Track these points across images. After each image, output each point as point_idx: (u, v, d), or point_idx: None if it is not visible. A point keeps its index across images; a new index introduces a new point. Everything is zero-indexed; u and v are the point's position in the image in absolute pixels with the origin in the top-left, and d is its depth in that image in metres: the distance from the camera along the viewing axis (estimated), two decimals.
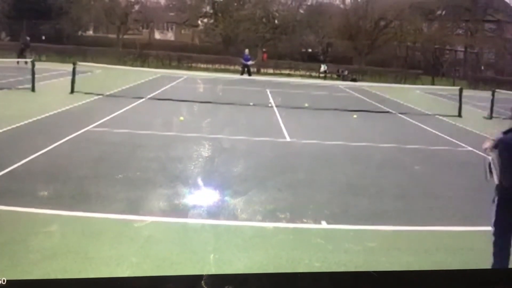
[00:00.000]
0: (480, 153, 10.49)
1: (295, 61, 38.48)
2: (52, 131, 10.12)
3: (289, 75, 34.89)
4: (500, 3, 44.08)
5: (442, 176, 8.86)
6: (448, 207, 6.70)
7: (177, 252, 4.78)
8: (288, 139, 11.16)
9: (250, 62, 28.67)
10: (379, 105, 19.31)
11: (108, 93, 16.64)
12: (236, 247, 4.90)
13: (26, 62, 21.85)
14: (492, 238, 4.36)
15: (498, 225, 4.32)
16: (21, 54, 26.95)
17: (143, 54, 36.63)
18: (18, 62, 24.04)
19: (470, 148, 11.22)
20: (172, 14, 46.11)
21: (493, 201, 4.40)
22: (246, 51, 28.95)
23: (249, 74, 28.23)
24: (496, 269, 4.00)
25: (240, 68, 29.49)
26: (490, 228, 4.37)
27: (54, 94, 16.52)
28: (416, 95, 24.90)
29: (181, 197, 6.42)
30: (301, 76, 34.60)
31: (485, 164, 4.31)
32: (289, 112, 15.34)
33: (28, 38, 29.90)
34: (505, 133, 4.49)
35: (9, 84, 17.74)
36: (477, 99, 21.45)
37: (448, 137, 12.70)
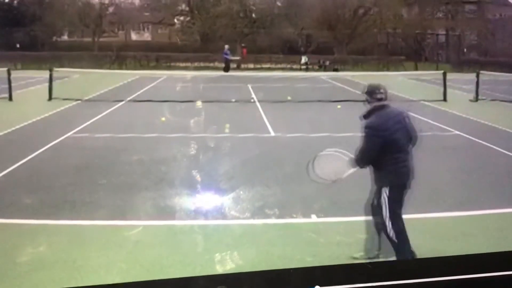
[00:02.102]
0: (467, 136, 10.63)
1: (275, 54, 38.37)
2: (32, 139, 9.94)
3: (269, 69, 34.78)
4: None
5: (431, 161, 8.87)
6: (439, 193, 6.69)
7: (166, 255, 4.72)
8: (272, 133, 11.11)
9: (230, 57, 28.55)
10: (363, 94, 19.26)
11: (86, 98, 16.41)
12: (226, 247, 4.84)
13: None
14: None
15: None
16: None
17: (120, 56, 36.20)
18: None
19: (457, 132, 11.28)
20: (147, 14, 45.63)
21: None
22: (226, 46, 28.82)
23: (227, 70, 28.12)
24: (492, 253, 3.98)
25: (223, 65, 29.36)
26: (477, 213, 4.37)
27: (32, 102, 16.26)
28: (400, 82, 24.81)
29: (167, 200, 6.33)
30: (282, 69, 34.53)
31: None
32: (272, 107, 15.26)
33: None
34: (365, 116, 4.41)
35: None
36: (461, 82, 21.20)
37: (434, 122, 12.74)
